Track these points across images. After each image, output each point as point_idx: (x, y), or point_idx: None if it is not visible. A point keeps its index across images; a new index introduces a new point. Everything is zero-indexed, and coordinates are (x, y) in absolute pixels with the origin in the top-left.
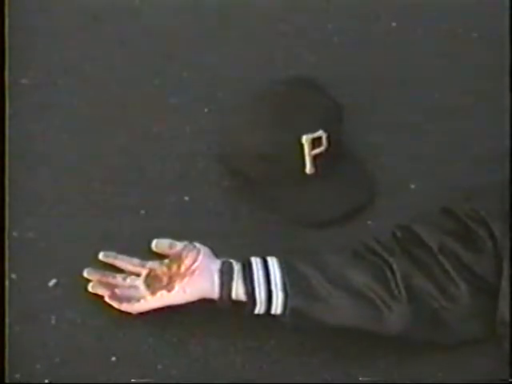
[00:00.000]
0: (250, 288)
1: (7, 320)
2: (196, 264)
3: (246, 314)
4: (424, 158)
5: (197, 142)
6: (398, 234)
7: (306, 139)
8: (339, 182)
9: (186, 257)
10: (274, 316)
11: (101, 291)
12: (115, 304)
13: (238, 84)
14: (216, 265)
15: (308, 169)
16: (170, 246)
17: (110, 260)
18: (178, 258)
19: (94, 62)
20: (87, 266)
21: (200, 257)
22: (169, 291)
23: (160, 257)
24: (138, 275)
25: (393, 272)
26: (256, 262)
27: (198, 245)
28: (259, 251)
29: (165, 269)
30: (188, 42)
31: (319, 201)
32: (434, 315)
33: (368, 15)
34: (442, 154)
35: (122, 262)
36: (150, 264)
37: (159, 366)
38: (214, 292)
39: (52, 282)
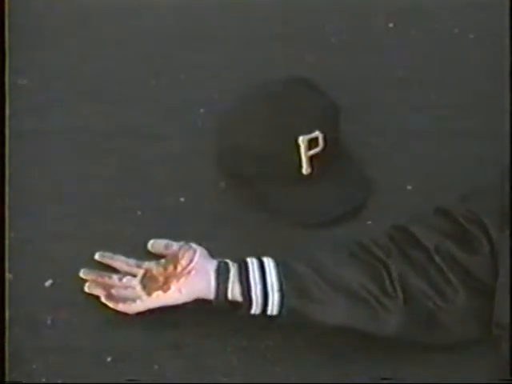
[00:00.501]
0: (246, 288)
1: (7, 320)
2: (192, 264)
3: (242, 315)
4: (421, 158)
5: (194, 142)
6: (394, 234)
7: (302, 140)
8: (336, 182)
9: (182, 257)
10: (270, 316)
11: (97, 291)
12: (111, 304)
13: (235, 84)
14: (212, 265)
15: (304, 169)
16: (166, 247)
17: (106, 260)
18: (174, 259)
19: (94, 61)
20: (83, 266)
21: (196, 257)
22: (165, 291)
23: (156, 257)
24: (135, 275)
25: (389, 272)
26: (252, 263)
27: (194, 245)
28: (255, 252)
29: (161, 269)
30: (187, 42)
31: (316, 201)
32: (429, 315)
33: (366, 16)
34: (439, 154)
35: (118, 262)
36: (146, 264)
37: (155, 367)
38: (210, 292)
39: (48, 283)
